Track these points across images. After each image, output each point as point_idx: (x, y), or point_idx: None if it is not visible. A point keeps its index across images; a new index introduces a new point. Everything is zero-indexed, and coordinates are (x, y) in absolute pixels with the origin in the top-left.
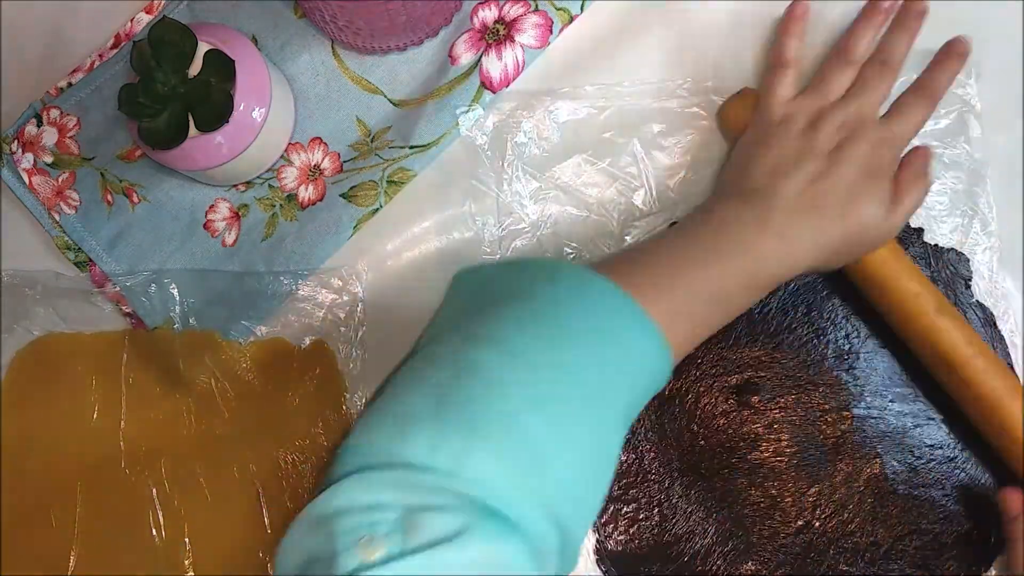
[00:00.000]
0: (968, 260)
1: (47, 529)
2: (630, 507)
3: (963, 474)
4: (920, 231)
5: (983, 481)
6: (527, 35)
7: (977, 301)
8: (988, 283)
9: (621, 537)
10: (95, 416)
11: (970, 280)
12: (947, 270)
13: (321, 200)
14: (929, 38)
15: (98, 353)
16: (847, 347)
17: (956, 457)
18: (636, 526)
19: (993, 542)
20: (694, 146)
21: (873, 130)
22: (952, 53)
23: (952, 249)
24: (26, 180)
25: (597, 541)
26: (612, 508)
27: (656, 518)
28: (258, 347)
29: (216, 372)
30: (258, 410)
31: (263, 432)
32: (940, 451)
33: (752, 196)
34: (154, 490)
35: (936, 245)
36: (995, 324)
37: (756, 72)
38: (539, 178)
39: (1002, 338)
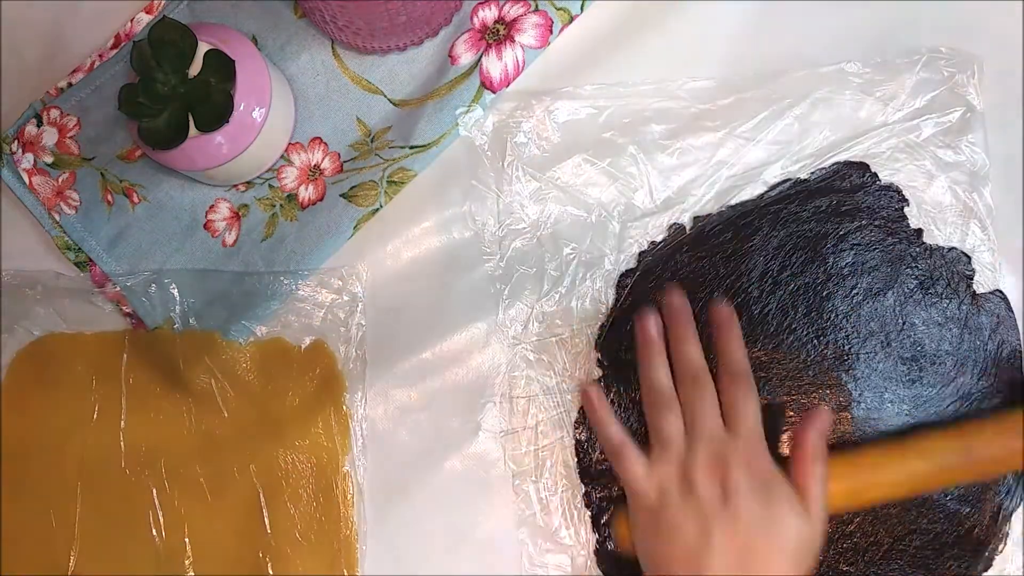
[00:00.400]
0: (969, 258)
1: (47, 529)
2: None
3: None
4: (919, 231)
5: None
6: (527, 35)
7: (998, 291)
8: (991, 281)
9: None
10: (95, 416)
11: (972, 279)
12: (948, 269)
13: (321, 200)
14: (931, 38)
15: (98, 353)
16: (847, 347)
17: None
18: None
19: (992, 543)
20: (694, 146)
21: (732, 448)
22: (722, 324)
23: (953, 248)
24: (26, 180)
25: (597, 541)
26: (613, 508)
27: None
28: (258, 347)
29: (216, 372)
30: (258, 410)
31: (263, 432)
32: None
33: None
34: (154, 490)
35: (936, 245)
36: (1011, 309)
37: (756, 71)
38: (539, 178)
39: (1017, 328)
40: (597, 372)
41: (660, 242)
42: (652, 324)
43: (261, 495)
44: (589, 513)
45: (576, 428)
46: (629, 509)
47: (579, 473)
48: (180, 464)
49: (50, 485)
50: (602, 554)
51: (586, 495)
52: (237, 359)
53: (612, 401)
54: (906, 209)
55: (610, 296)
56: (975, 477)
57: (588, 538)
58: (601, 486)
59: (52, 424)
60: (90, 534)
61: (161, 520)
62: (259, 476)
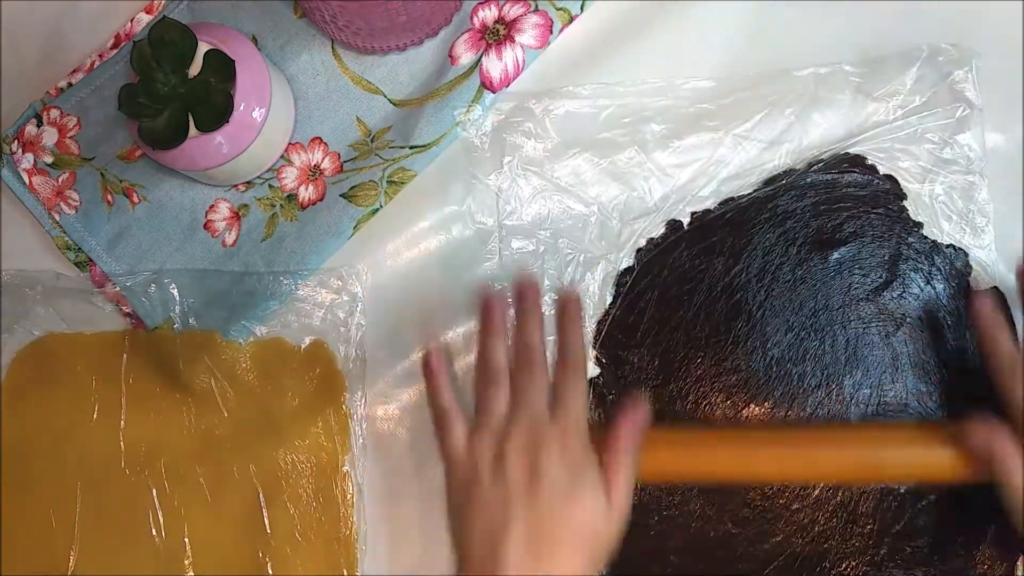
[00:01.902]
0: (966, 254)
1: (47, 529)
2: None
3: None
4: (919, 224)
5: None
6: (527, 35)
7: (995, 287)
8: (986, 278)
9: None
10: (95, 416)
11: (968, 275)
12: (946, 265)
13: (321, 200)
14: (931, 36)
15: (98, 353)
16: (847, 341)
17: None
18: (635, 530)
19: (994, 541)
20: (695, 145)
21: (550, 432)
22: (566, 314)
23: (951, 245)
24: (26, 180)
25: None
26: None
27: (655, 522)
28: (258, 347)
29: (216, 372)
30: (258, 410)
31: (263, 432)
32: None
33: (482, 569)
34: (154, 490)
35: (935, 241)
36: (1008, 307)
37: (756, 70)
38: (539, 178)
39: (1014, 323)
40: (596, 370)
41: (658, 238)
42: (496, 304)
43: (261, 495)
44: None
45: None
46: (445, 482)
47: None
48: (180, 464)
49: (50, 485)
50: None
51: None
52: (237, 359)
53: (611, 401)
54: (905, 203)
55: (609, 296)
56: (877, 479)
57: None
58: None
59: (52, 424)
60: (90, 534)
61: (161, 520)
62: (259, 476)
